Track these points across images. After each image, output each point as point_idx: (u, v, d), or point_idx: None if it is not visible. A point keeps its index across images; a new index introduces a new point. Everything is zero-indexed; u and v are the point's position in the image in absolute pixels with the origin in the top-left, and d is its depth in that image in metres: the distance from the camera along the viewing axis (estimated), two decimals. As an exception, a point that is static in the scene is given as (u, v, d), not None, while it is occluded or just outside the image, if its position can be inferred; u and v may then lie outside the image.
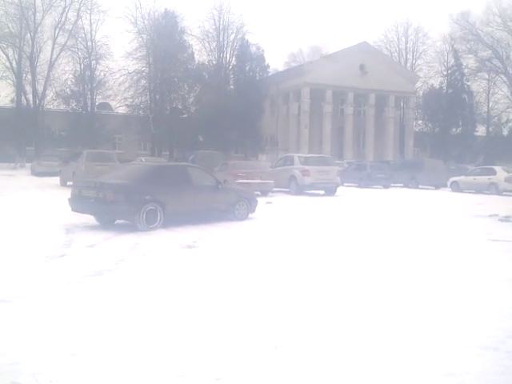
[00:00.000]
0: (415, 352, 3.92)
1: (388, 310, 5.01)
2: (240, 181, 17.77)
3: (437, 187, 27.86)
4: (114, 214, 10.05)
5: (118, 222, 10.50)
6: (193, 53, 46.51)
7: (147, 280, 5.96)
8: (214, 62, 47.71)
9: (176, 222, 10.41)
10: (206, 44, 48.08)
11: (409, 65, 57.86)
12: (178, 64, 43.20)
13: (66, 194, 11.00)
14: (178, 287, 5.64)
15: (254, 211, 12.44)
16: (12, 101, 44.42)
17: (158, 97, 44.15)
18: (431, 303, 5.29)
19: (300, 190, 20.52)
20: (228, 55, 48.97)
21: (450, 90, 53.06)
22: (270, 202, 16.32)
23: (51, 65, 44.53)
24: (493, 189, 24.34)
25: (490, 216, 13.98)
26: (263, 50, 46.98)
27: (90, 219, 10.58)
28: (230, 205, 11.78)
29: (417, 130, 54.07)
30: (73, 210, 10.39)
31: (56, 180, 23.47)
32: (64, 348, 3.79)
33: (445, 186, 27.37)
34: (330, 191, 21.08)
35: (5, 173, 31.91)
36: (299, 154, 24.99)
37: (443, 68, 55.53)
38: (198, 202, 10.96)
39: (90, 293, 5.31)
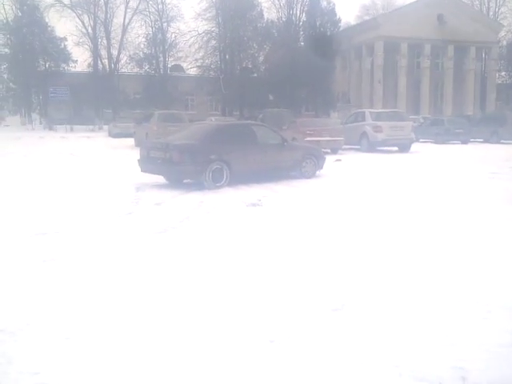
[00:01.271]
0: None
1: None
2: (308, 138, 17.45)
3: (521, 142, 26.11)
4: (181, 173, 10.16)
5: (186, 180, 10.60)
6: (262, 10, 45.85)
7: (210, 238, 5.98)
8: (284, 19, 46.75)
9: (242, 180, 10.41)
10: (276, 1, 47.16)
11: (491, 13, 54.05)
12: (247, 23, 42.82)
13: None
14: (240, 246, 5.62)
15: (321, 168, 12.23)
16: (89, 66, 46.00)
17: (227, 57, 44.11)
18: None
19: (372, 147, 19.94)
20: (298, 11, 47.76)
21: (539, 38, 49.15)
22: (340, 160, 15.92)
23: (124, 29, 45.60)
24: None
25: None
26: (334, 4, 45.42)
27: (160, 178, 10.78)
28: (296, 162, 11.64)
29: (500, 82, 50.73)
30: (142, 170, 10.61)
31: (131, 141, 24.19)
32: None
33: (531, 141, 25.63)
34: (404, 148, 20.32)
35: (84, 134, 33.46)
36: (371, 110, 24.20)
37: (530, 14, 51.41)
38: (263, 160, 10.89)
39: (153, 250, 5.41)
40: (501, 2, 53.89)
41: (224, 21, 43.00)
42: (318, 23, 44.96)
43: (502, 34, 51.15)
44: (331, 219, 7.11)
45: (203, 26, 43.52)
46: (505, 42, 51.86)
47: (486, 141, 26.97)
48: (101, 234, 6.11)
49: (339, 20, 46.20)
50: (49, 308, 3.76)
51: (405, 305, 3.84)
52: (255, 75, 43.24)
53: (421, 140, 25.43)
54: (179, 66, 48.42)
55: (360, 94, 47.31)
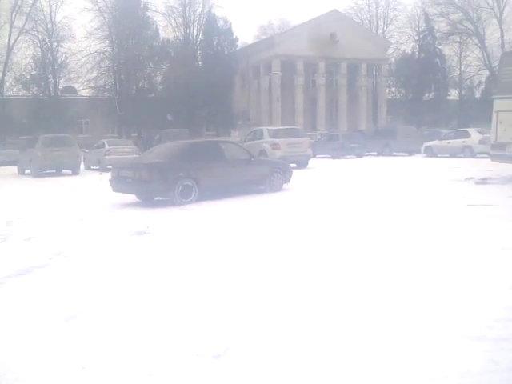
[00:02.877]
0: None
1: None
2: None
3: (410, 153, 27.32)
4: (151, 191, 10.64)
5: (157, 198, 10.98)
6: (157, 29, 45.20)
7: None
8: (181, 38, 46.37)
9: (211, 196, 10.72)
10: (172, 20, 46.84)
11: (380, 31, 56.81)
12: (142, 42, 41.77)
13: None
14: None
15: (288, 181, 12.70)
16: (-31, 89, 42.47)
17: (122, 77, 42.65)
18: (411, 271, 5.00)
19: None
20: (195, 30, 47.71)
21: (422, 55, 52.18)
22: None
23: (9, 50, 42.61)
24: (467, 152, 23.82)
25: (466, 179, 13.51)
26: (231, 24, 45.91)
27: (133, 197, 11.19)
28: (264, 177, 12.10)
29: (390, 97, 53.29)
30: (114, 190, 11.00)
31: (15, 169, 22.32)
32: None
33: (419, 151, 26.87)
34: (302, 164, 20.34)
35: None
36: (268, 127, 24.11)
37: (415, 33, 54.51)
38: (231, 175, 11.29)
39: None
40: (388, 21, 56.97)
41: (118, 40, 41.66)
42: (215, 42, 45.06)
43: (391, 51, 53.96)
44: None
45: (96, 45, 41.88)
46: (393, 59, 54.68)
47: (380, 154, 27.96)
48: None
49: (236, 39, 46.70)
50: None
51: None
52: (152, 95, 42.16)
53: (318, 156, 25.76)
54: (71, 87, 46.04)
55: (260, 111, 47.69)
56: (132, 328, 3.76)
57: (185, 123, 36.83)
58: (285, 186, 12.56)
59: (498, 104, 13.29)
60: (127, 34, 40.86)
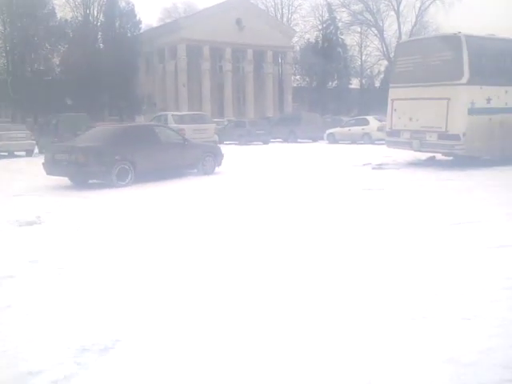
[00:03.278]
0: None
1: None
2: None
3: (314, 140, 28.00)
4: (87, 174, 10.75)
5: (91, 181, 11.08)
6: (54, 8, 42.44)
7: None
8: (80, 19, 43.90)
9: (146, 178, 11.02)
10: (70, -1, 44.06)
11: (285, 19, 57.45)
12: (37, 21, 39.13)
13: None
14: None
15: (220, 165, 13.06)
16: None
17: (16, 58, 39.87)
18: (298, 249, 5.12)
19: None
20: (95, 11, 45.26)
21: (326, 44, 53.54)
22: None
23: None
24: (366, 138, 24.81)
25: (364, 165, 13.98)
26: (133, 5, 44.13)
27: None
28: (197, 160, 12.44)
29: (295, 85, 54.31)
30: (47, 173, 11.04)
31: None
32: None
33: (322, 138, 27.58)
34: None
35: None
36: (173, 113, 23.71)
37: (318, 22, 55.79)
38: (166, 158, 11.63)
39: None
40: (293, 10, 57.77)
41: (10, 18, 38.84)
42: (117, 24, 43.24)
43: (295, 39, 54.89)
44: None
45: (-14, 25, 38.80)
46: (298, 48, 55.67)
47: (285, 140, 28.40)
48: None
49: (140, 21, 45.04)
50: None
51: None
52: (50, 78, 39.79)
53: (225, 142, 25.66)
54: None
55: (165, 97, 46.63)
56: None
57: (86, 107, 35.00)
58: (216, 169, 13.00)
59: (392, 92, 13.86)
60: (20, 13, 38.23)
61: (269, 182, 11.16)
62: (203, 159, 12.56)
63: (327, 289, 4.05)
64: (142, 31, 45.71)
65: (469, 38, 12.12)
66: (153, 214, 7.73)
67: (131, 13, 44.03)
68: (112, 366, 2.86)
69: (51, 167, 10.90)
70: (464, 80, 11.94)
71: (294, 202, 8.41)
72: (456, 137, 12.06)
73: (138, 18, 44.69)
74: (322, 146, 24.91)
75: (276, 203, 8.41)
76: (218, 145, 20.95)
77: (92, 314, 3.64)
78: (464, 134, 11.99)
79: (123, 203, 8.79)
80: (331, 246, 5.43)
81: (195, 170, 12.56)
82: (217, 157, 13.02)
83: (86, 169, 10.38)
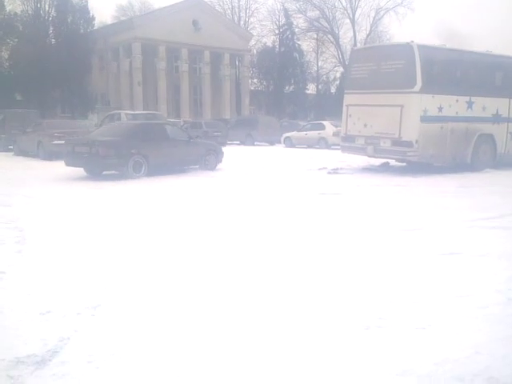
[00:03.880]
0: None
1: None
2: (56, 142, 16.45)
3: (271, 143, 28.08)
4: (106, 166, 11.84)
5: (105, 172, 12.22)
6: (3, 1, 40.92)
7: None
8: (30, 13, 42.48)
9: (158, 171, 12.11)
10: (20, -8, 42.54)
11: (242, 22, 57.49)
12: (-16, 13, 37.67)
13: None
14: None
15: (221, 162, 14.05)
16: None
17: (-40, 51, 38.25)
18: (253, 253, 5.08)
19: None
20: (47, 5, 43.76)
21: (283, 49, 53.92)
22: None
23: None
24: (322, 143, 25.03)
25: (320, 169, 14.04)
26: (86, 1, 42.96)
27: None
28: (200, 156, 13.53)
29: (253, 88, 54.43)
30: (67, 164, 12.13)
31: None
32: None
33: (279, 142, 27.67)
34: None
35: None
36: (126, 111, 23.26)
37: (275, 27, 56.08)
38: (174, 154, 12.65)
39: None
40: (250, 13, 57.88)
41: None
42: (69, 19, 42.03)
43: (252, 42, 54.94)
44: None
45: None
46: (255, 51, 55.78)
47: (242, 143, 28.33)
48: None
49: (93, 18, 43.84)
50: None
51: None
52: (-3, 72, 38.35)
53: (181, 143, 25.37)
54: None
55: (120, 95, 45.64)
56: None
57: (36, 104, 34.06)
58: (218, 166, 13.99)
59: (347, 98, 13.97)
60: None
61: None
62: (206, 156, 13.61)
63: (270, 296, 3.93)
64: (95, 28, 44.67)
65: (421, 47, 12.32)
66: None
67: (84, 9, 42.86)
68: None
69: (71, 159, 11.96)
70: (417, 88, 12.14)
71: (249, 206, 8.35)
72: (409, 143, 12.24)
73: (91, 14, 43.50)
74: (279, 149, 24.99)
75: (234, 206, 8.37)
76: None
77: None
78: (417, 141, 12.19)
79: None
80: (280, 251, 5.36)
81: (197, 166, 13.59)
82: (218, 154, 14.00)
83: (106, 161, 11.40)
